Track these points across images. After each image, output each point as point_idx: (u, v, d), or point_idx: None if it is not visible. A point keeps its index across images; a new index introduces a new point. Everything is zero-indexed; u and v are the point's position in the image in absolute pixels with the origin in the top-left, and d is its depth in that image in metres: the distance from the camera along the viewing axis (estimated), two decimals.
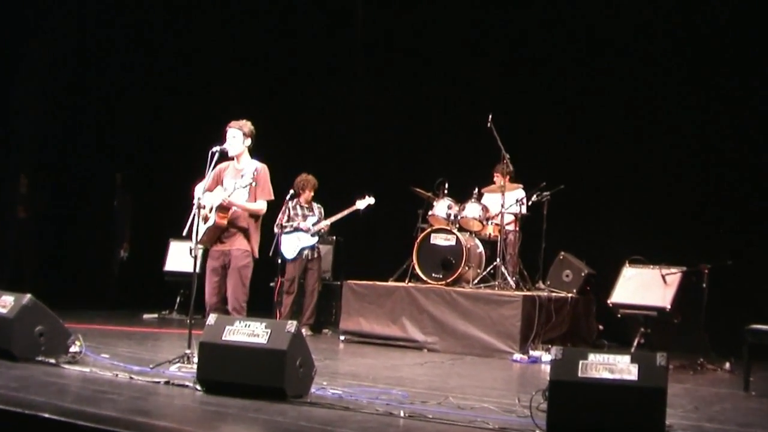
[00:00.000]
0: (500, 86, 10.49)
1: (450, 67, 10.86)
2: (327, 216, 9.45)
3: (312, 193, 9.42)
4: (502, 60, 10.62)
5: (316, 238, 9.36)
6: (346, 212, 9.37)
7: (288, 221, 9.37)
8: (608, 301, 8.22)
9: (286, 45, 11.43)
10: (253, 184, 6.38)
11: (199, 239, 6.37)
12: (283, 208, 9.26)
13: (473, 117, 9.22)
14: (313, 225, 9.34)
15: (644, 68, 9.75)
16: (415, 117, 11.13)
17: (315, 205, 9.53)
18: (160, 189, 11.52)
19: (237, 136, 6.51)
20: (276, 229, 9.14)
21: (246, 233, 6.47)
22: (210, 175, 6.40)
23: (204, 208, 6.37)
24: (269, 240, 8.78)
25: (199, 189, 6.44)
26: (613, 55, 9.91)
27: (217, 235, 6.47)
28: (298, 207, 9.46)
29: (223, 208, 6.43)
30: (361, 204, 9.32)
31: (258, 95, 11.12)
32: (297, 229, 9.33)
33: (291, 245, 9.27)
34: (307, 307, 9.35)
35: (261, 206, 6.52)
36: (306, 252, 9.34)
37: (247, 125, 6.55)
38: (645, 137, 9.81)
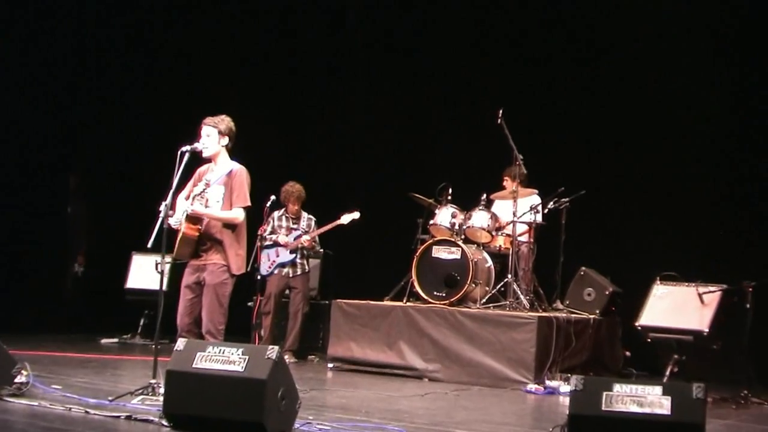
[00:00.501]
0: (512, 77, 10.56)
1: (454, 58, 10.93)
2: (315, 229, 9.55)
3: (297, 205, 9.47)
4: (515, 49, 10.70)
5: (294, 255, 9.41)
6: (327, 228, 9.44)
7: (271, 233, 9.40)
8: (636, 324, 8.19)
9: (282, 44, 11.75)
10: (206, 191, 6.38)
11: (164, 251, 6.36)
12: (267, 217, 9.31)
13: (480, 112, 9.24)
14: (294, 240, 9.39)
15: (691, 61, 9.77)
16: (413, 114, 11.20)
17: (305, 216, 9.59)
18: (121, 193, 11.55)
19: (212, 135, 6.53)
20: (257, 241, 9.18)
21: (222, 246, 6.47)
22: (177, 178, 6.37)
23: (172, 216, 6.38)
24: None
25: (182, 197, 6.49)
26: (654, 42, 9.98)
27: (190, 247, 6.48)
28: (283, 218, 9.52)
29: (193, 218, 6.44)
30: (346, 219, 9.38)
31: (247, 93, 11.35)
32: (276, 243, 9.38)
33: (267, 260, 9.36)
34: (291, 331, 9.37)
35: (235, 215, 6.50)
36: (286, 269, 9.38)
37: (224, 122, 6.57)
38: (680, 136, 9.85)
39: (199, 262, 6.48)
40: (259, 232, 9.16)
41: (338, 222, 9.39)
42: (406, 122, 11.20)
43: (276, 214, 9.43)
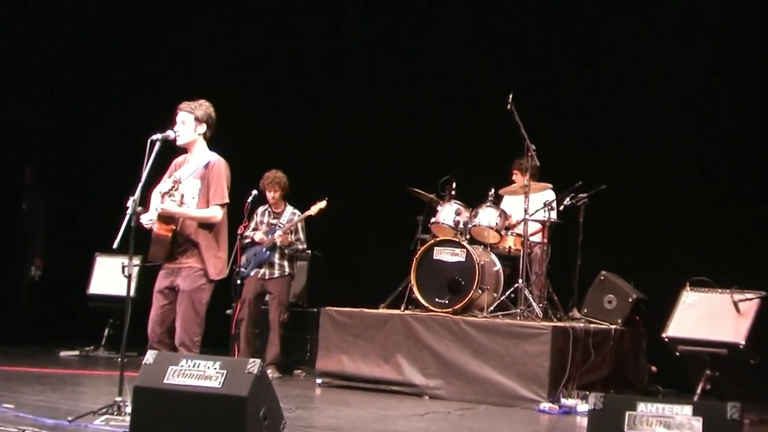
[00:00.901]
0: (523, 57, 10.62)
1: (458, 38, 11.01)
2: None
3: (277, 192, 9.42)
4: (526, 27, 10.79)
5: (269, 253, 9.38)
6: (296, 221, 9.41)
7: (254, 230, 9.37)
8: (663, 335, 8.21)
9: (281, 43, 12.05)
10: (175, 188, 6.37)
11: (132, 252, 6.33)
12: (249, 213, 9.27)
13: (487, 98, 9.24)
14: (269, 236, 9.37)
15: (724, 49, 9.89)
16: (413, 99, 11.22)
17: (288, 211, 9.55)
18: (84, 188, 11.58)
19: (187, 122, 6.52)
20: (237, 241, 9.15)
21: (198, 248, 6.45)
22: (146, 172, 6.33)
23: (145, 213, 6.37)
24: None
25: (157, 192, 6.48)
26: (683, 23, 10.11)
27: (164, 249, 6.45)
28: (266, 214, 9.51)
29: (165, 218, 6.42)
30: (313, 209, 9.34)
31: (242, 90, 11.58)
32: (254, 242, 9.36)
33: (246, 261, 9.34)
34: (271, 343, 9.36)
35: (212, 213, 6.48)
36: (262, 269, 9.37)
37: (202, 107, 6.56)
38: (711, 125, 9.88)
39: (173, 266, 6.46)
40: (239, 231, 9.08)
41: (307, 213, 9.35)
42: (404, 108, 11.24)
43: (260, 209, 9.41)
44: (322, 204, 9.31)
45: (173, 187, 6.41)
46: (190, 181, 6.47)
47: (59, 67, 12.32)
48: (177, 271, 6.44)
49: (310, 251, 10.13)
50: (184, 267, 6.43)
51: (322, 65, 11.91)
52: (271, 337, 9.36)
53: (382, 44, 11.52)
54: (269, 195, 9.42)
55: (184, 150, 6.62)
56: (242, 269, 9.21)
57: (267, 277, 9.38)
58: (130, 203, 6.26)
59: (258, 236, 9.37)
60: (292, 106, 11.78)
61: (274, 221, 9.48)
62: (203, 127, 6.54)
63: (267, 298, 9.49)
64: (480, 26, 11.06)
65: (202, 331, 6.44)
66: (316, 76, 11.84)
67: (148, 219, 6.36)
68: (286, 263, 9.46)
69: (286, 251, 9.46)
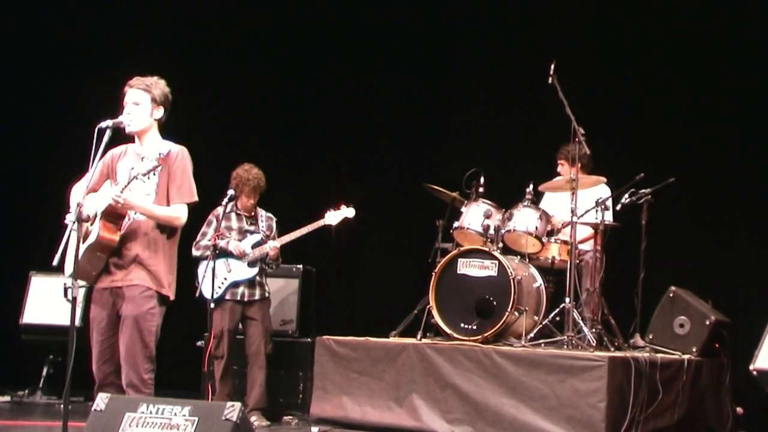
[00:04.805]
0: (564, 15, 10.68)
1: None
2: (282, 233, 9.51)
3: (253, 199, 9.46)
4: None
5: (256, 269, 9.38)
6: (305, 230, 9.42)
7: (216, 237, 9.25)
8: (751, 368, 8.24)
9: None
10: (158, 169, 6.37)
11: (76, 270, 6.29)
12: (210, 216, 9.29)
13: (522, 69, 9.18)
14: (253, 247, 9.34)
15: None
16: (431, 72, 11.22)
17: (262, 215, 9.60)
18: (14, 194, 11.60)
19: (142, 102, 6.55)
20: (194, 251, 9.17)
21: (150, 258, 6.46)
22: (94, 167, 6.36)
23: (87, 220, 6.37)
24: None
25: (79, 190, 6.42)
26: None
27: (102, 261, 6.43)
28: (233, 216, 9.48)
29: (112, 215, 6.39)
30: (333, 218, 9.37)
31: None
32: (224, 253, 9.21)
33: (212, 278, 9.19)
34: (253, 383, 9.38)
35: (177, 213, 6.54)
36: (241, 289, 9.32)
37: (158, 86, 6.63)
38: None
39: (112, 283, 6.46)
40: (211, 242, 9.00)
41: (321, 222, 9.36)
42: (418, 85, 11.33)
43: (220, 210, 9.21)
44: (350, 212, 9.35)
45: (152, 171, 6.36)
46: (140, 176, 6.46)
47: None
48: (119, 292, 6.44)
49: (301, 266, 10.19)
50: (127, 286, 6.43)
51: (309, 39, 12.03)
52: (254, 375, 9.36)
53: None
54: (244, 200, 9.44)
55: (122, 137, 6.58)
56: (206, 288, 9.09)
57: (247, 300, 9.35)
58: (72, 207, 6.28)
59: (235, 246, 9.27)
60: (269, 90, 11.93)
61: (251, 227, 9.48)
62: (160, 111, 6.64)
63: (242, 326, 9.46)
64: None
65: (154, 366, 6.42)
66: (310, 54, 11.96)
67: (73, 219, 6.19)
68: (265, 282, 9.53)
69: (266, 267, 9.48)
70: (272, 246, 9.33)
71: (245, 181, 9.33)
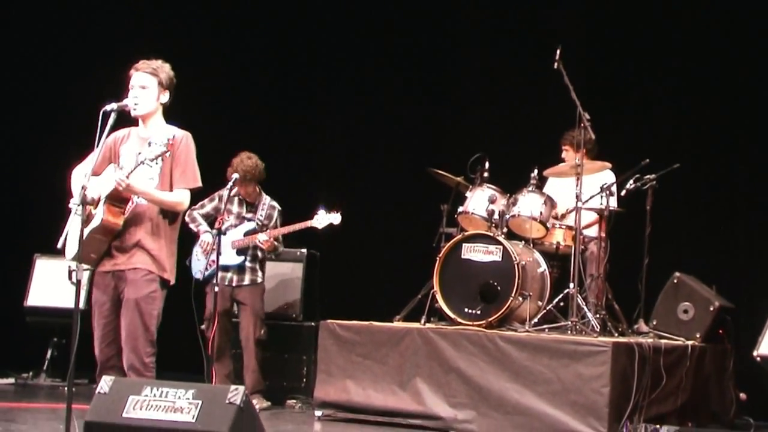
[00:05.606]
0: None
1: None
2: (285, 223, 9.56)
3: (252, 186, 9.46)
4: None
5: (243, 257, 9.41)
6: (292, 228, 9.46)
7: (210, 215, 9.36)
8: (754, 354, 8.24)
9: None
10: (167, 154, 6.37)
11: (79, 254, 6.29)
12: (215, 194, 9.33)
13: (527, 53, 9.16)
14: (244, 235, 9.40)
15: None
16: (434, 57, 11.23)
17: (265, 203, 9.60)
18: (18, 177, 11.63)
19: (149, 86, 6.53)
20: (187, 219, 9.12)
21: (153, 243, 6.47)
22: (98, 151, 6.35)
23: (91, 203, 6.36)
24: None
25: (80, 174, 6.43)
26: None
27: (104, 244, 6.43)
28: (235, 201, 9.53)
29: (117, 198, 6.39)
30: (320, 221, 9.34)
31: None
32: (220, 232, 9.21)
33: (203, 256, 9.32)
34: (248, 367, 9.43)
35: (180, 198, 6.54)
36: (230, 275, 9.39)
37: (165, 70, 6.60)
38: None
39: (114, 267, 6.46)
40: (217, 226, 8.95)
41: (308, 224, 9.36)
42: (421, 69, 11.30)
43: (225, 192, 9.28)
44: (335, 218, 9.33)
45: (160, 156, 6.36)
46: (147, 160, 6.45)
47: None
48: (121, 275, 6.44)
49: (305, 250, 10.20)
50: (129, 269, 6.42)
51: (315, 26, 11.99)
52: (246, 360, 9.43)
53: None
54: (242, 190, 9.45)
55: (128, 120, 6.57)
56: (198, 270, 9.20)
57: (236, 284, 9.43)
58: (75, 191, 6.30)
59: (204, 236, 9.35)
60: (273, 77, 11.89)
61: (249, 215, 9.51)
62: (166, 95, 6.61)
63: (235, 310, 9.50)
64: None
65: (155, 350, 6.44)
66: (314, 41, 11.93)
67: (77, 203, 6.20)
68: (258, 268, 9.55)
69: (260, 255, 9.50)
70: (262, 238, 9.33)
71: (245, 170, 9.31)
